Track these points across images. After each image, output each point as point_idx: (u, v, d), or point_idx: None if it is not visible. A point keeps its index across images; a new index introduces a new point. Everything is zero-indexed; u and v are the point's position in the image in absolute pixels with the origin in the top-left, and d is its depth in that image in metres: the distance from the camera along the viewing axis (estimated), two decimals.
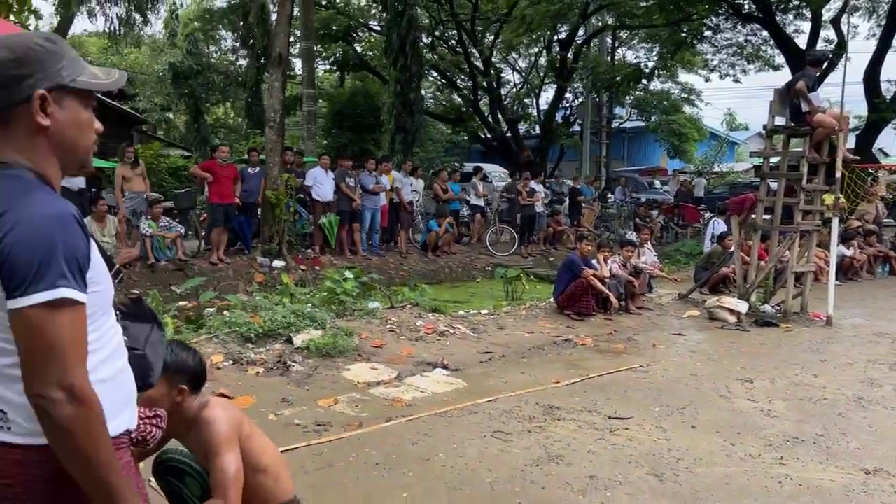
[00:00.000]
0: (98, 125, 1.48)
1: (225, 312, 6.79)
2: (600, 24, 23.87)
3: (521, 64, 29.93)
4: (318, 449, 4.05)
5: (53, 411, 1.25)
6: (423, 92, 22.32)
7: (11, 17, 8.82)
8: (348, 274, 8.19)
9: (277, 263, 10.87)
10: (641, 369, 6.02)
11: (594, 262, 8.63)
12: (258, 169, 11.24)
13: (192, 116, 25.90)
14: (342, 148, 20.06)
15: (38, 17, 13.38)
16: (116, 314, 1.55)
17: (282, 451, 2.77)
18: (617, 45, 27.25)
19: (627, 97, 27.79)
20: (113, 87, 1.49)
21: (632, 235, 12.33)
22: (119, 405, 1.46)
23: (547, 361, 6.37)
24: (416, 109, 19.60)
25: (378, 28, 25.47)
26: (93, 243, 1.39)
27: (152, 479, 2.69)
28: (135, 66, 28.57)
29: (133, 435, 1.55)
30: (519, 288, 10.38)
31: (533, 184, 14.76)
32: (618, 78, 22.48)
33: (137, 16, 20.93)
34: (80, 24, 39.41)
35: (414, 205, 13.73)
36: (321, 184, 11.78)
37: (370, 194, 12.29)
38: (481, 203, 15.14)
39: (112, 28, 20.46)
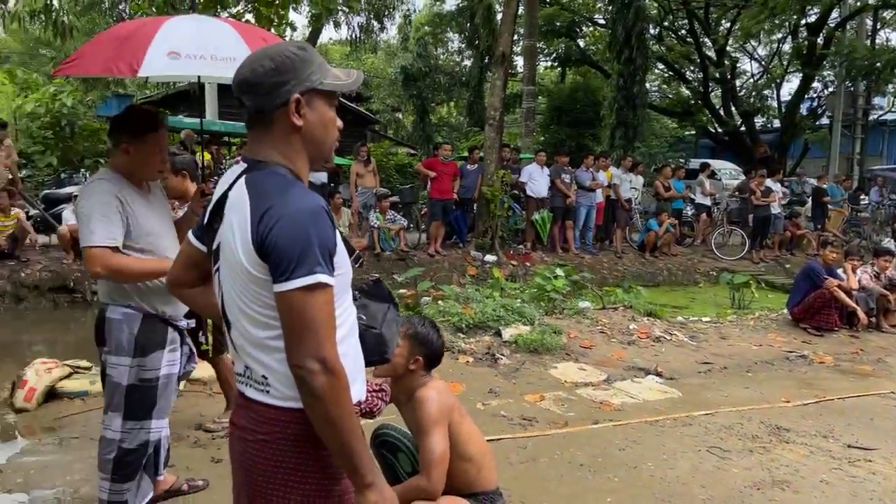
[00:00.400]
0: (339, 122, 1.64)
1: (439, 302, 7.07)
2: (859, 3, 21.11)
3: (761, 52, 27.55)
4: (522, 442, 4.06)
5: (309, 380, 1.41)
6: (647, 85, 21.43)
7: (272, 30, 9.90)
8: (559, 271, 8.12)
9: (490, 258, 11.12)
10: (892, 396, 5.24)
11: (839, 271, 7.68)
12: (476, 166, 11.57)
13: (418, 116, 27.37)
14: (559, 144, 19.95)
15: (294, 28, 14.97)
16: (356, 294, 1.72)
17: (487, 440, 2.81)
18: (879, 26, 23.93)
19: (890, 86, 24.28)
20: (352, 87, 1.63)
21: (889, 243, 10.78)
22: (352, 377, 1.58)
23: (776, 378, 5.79)
24: (638, 103, 18.91)
25: (603, 21, 24.94)
26: (337, 232, 1.54)
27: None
28: (371, 70, 30.90)
29: (362, 406, 1.68)
30: (747, 295, 9.56)
31: (769, 182, 13.45)
32: (878, 64, 19.70)
33: (375, 23, 22.64)
34: (327, 34, 43.67)
35: (632, 202, 13.25)
36: (536, 180, 11.81)
37: (586, 191, 12.07)
38: (707, 202, 14.17)
39: (353, 35, 22.34)
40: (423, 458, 2.43)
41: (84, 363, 4.92)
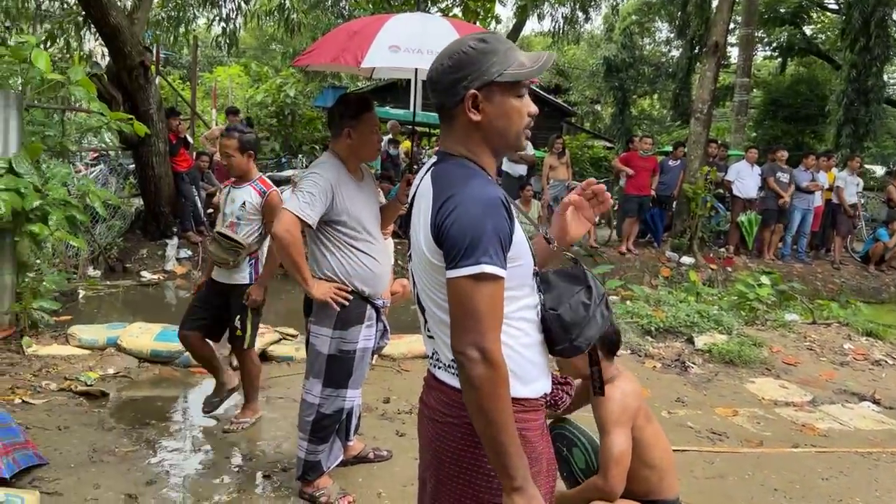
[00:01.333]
0: (532, 108, 1.61)
1: (628, 302, 6.85)
2: None
3: None
4: (710, 457, 3.84)
5: (468, 368, 1.43)
6: (885, 77, 19.05)
7: (477, 23, 10.13)
8: (765, 279, 7.51)
9: (686, 259, 10.55)
10: None
11: None
12: (679, 161, 11.01)
13: (618, 108, 26.63)
14: (774, 140, 18.38)
15: (498, 21, 15.21)
16: (551, 274, 1.71)
17: (673, 450, 2.69)
18: None
19: None
20: (537, 74, 1.59)
21: None
22: (538, 370, 1.61)
23: None
24: (873, 98, 16.93)
25: (835, 7, 22.51)
26: (517, 224, 1.54)
27: None
28: (572, 61, 30.52)
29: (547, 398, 1.68)
30: None
31: None
32: None
33: (581, 13, 22.29)
34: (530, 25, 43.90)
35: (858, 208, 11.85)
36: (744, 179, 10.98)
37: (803, 193, 10.99)
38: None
39: (556, 27, 22.20)
40: (602, 456, 2.38)
41: (291, 331, 5.42)
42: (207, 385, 4.61)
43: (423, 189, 1.59)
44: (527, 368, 1.58)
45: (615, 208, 12.22)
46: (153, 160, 8.94)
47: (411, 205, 1.67)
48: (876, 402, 5.01)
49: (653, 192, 10.83)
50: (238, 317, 3.78)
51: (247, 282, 3.76)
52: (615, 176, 12.13)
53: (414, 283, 1.67)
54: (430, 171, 1.60)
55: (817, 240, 11.96)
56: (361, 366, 3.05)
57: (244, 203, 3.73)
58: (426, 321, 1.65)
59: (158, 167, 9.00)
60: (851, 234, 12.08)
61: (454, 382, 1.56)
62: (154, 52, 11.09)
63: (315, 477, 3.06)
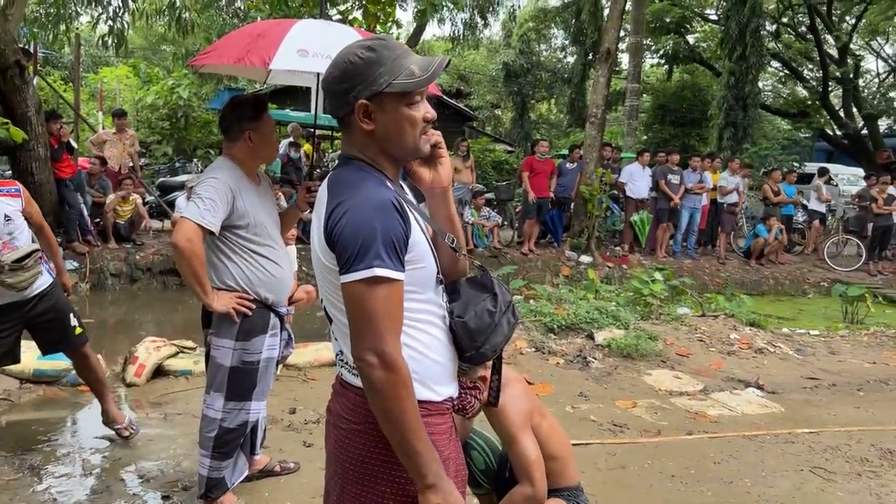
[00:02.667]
0: (428, 113, 1.57)
1: (531, 301, 7.01)
2: None
3: (888, 50, 25.66)
4: (612, 449, 3.97)
5: (368, 373, 1.42)
6: (760, 84, 20.42)
7: (378, 28, 10.09)
8: (657, 275, 7.88)
9: (585, 258, 10.92)
10: None
11: None
12: (575, 164, 11.39)
13: (517, 113, 27.22)
14: (663, 143, 19.33)
15: (399, 25, 15.21)
16: (460, 283, 1.71)
17: (574, 445, 2.76)
18: None
19: None
20: (426, 83, 1.55)
21: None
22: (444, 374, 1.60)
23: (891, 399, 5.38)
24: (750, 103, 18.07)
25: (715, 17, 23.93)
26: (415, 226, 1.52)
27: None
28: (472, 66, 30.97)
29: (454, 403, 1.67)
30: (862, 310, 8.93)
31: (892, 189, 12.53)
32: None
33: (479, 19, 22.66)
34: (430, 31, 44.23)
35: (738, 207, 12.66)
36: (636, 180, 11.50)
37: (690, 193, 11.63)
38: (822, 209, 13.37)
39: (456, 32, 22.47)
40: (519, 464, 2.39)
41: (189, 343, 5.20)
42: (97, 404, 4.35)
43: (320, 195, 1.58)
44: (431, 371, 1.57)
45: (517, 210, 12.51)
46: (32, 166, 8.37)
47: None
48: (760, 388, 5.35)
49: (552, 194, 11.14)
50: (71, 314, 3.54)
51: (51, 280, 3.50)
52: (517, 179, 12.41)
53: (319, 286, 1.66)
54: (325, 181, 1.59)
55: (704, 237, 12.68)
56: (266, 377, 2.96)
57: (6, 216, 3.32)
58: (330, 323, 1.63)
59: (39, 173, 8.43)
60: (734, 231, 12.87)
61: (358, 383, 1.54)
62: (32, 50, 10.36)
63: (219, 494, 2.94)
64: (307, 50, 3.00)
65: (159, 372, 4.80)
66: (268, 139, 2.90)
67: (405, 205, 1.52)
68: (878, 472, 3.84)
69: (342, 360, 1.62)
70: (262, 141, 2.88)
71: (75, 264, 8.54)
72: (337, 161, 1.65)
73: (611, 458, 3.86)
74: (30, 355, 4.56)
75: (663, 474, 3.67)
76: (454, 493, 1.50)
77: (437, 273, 1.61)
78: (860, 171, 17.83)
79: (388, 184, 1.54)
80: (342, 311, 1.51)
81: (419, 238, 1.53)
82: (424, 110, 1.56)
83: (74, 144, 10.50)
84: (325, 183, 1.58)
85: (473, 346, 1.64)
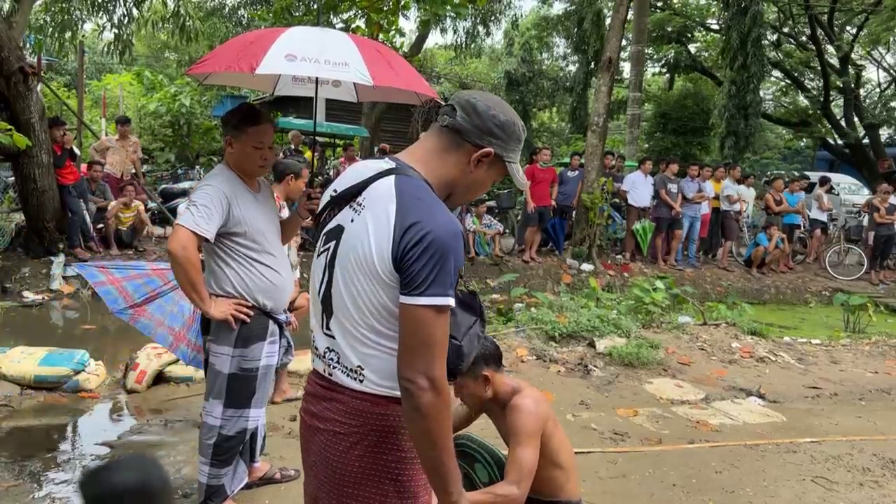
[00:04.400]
0: (482, 193, 1.76)
1: (533, 309, 7.01)
2: None
3: (889, 60, 25.70)
4: (613, 457, 3.96)
5: (417, 395, 1.44)
6: (761, 93, 20.45)
7: (381, 35, 10.12)
8: (659, 283, 7.87)
9: (586, 266, 10.92)
10: None
11: None
12: (577, 172, 11.40)
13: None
14: (664, 152, 19.37)
15: (402, 34, 15.26)
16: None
17: (576, 453, 2.75)
18: None
19: None
20: (517, 183, 1.73)
21: None
22: None
23: (893, 409, 5.37)
24: (751, 112, 18.10)
25: (716, 27, 24.00)
26: None
27: None
28: (474, 74, 31.05)
29: None
30: (864, 319, 8.92)
31: (894, 199, 12.54)
32: None
33: (482, 28, 22.76)
34: (432, 39, 44.34)
35: (740, 215, 12.66)
36: (638, 188, 11.51)
37: (690, 202, 11.64)
38: (823, 218, 13.35)
39: (458, 40, 22.56)
40: (512, 466, 2.39)
41: None
42: (98, 410, 4.35)
43: (379, 194, 1.53)
44: None
45: (518, 218, 12.52)
46: (35, 172, 8.39)
47: (341, 199, 1.62)
48: (761, 397, 5.34)
49: (553, 202, 11.16)
50: None
51: None
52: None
53: (327, 279, 1.60)
54: (388, 178, 1.54)
55: (705, 245, 12.67)
56: (265, 384, 2.96)
57: None
58: (328, 319, 1.60)
59: (41, 180, 8.45)
60: (736, 240, 12.86)
61: (357, 386, 1.55)
62: (36, 61, 10.41)
63: (219, 502, 2.93)
64: (295, 55, 3.00)
65: (160, 378, 4.79)
66: (247, 151, 2.83)
67: None
68: (880, 482, 3.83)
69: (336, 362, 1.59)
70: (242, 152, 2.83)
71: (76, 270, 8.56)
72: (389, 162, 1.60)
73: (612, 466, 3.84)
74: (31, 361, 4.57)
75: (665, 483, 3.66)
76: None
77: None
78: (858, 181, 17.84)
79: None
80: (372, 320, 1.52)
81: None
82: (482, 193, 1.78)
83: (77, 151, 10.53)
84: (385, 182, 1.54)
85: (459, 367, 1.66)
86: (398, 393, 1.50)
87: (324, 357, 1.63)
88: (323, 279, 1.62)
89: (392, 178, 1.54)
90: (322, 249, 1.64)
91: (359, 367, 1.55)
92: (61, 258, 8.48)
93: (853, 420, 4.95)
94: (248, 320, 2.81)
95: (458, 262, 1.47)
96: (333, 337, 1.60)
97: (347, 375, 1.58)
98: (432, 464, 1.50)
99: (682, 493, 3.55)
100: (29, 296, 7.88)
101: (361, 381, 1.55)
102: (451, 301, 1.46)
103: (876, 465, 4.06)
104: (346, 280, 1.55)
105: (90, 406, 4.39)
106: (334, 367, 1.60)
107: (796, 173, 17.21)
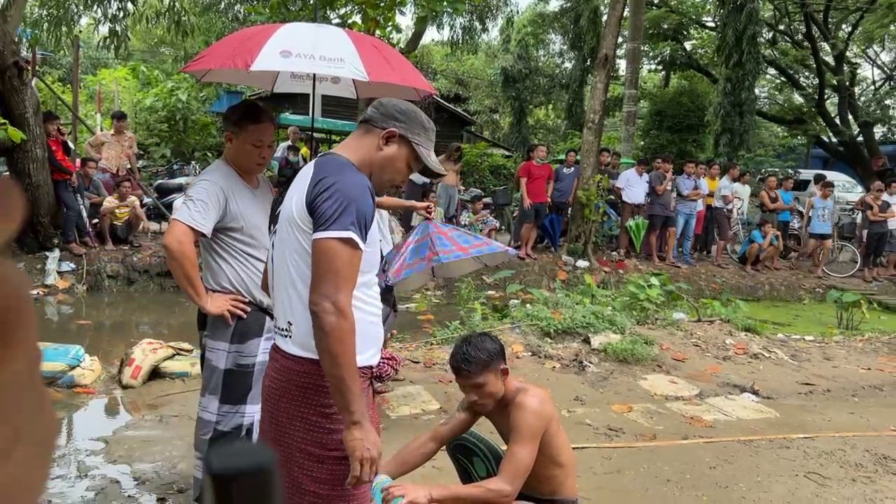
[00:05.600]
0: (404, 179, 2.04)
1: (528, 305, 7.02)
2: None
3: (884, 58, 25.78)
4: (607, 453, 3.98)
5: (321, 316, 1.66)
6: (756, 91, 20.50)
7: (377, 31, 10.11)
8: (654, 280, 7.89)
9: (581, 263, 10.94)
10: None
11: None
12: (573, 169, 11.41)
13: (515, 118, 27.26)
14: (660, 149, 19.39)
15: (399, 30, 15.24)
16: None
17: (572, 448, 2.77)
18: None
19: None
20: (430, 164, 1.98)
21: None
22: (369, 344, 1.85)
23: (884, 405, 5.41)
24: (746, 110, 18.13)
25: (712, 24, 24.03)
26: (377, 217, 1.83)
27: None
28: (470, 71, 31.04)
29: (373, 371, 1.93)
30: (857, 316, 8.98)
31: (886, 196, 12.59)
32: None
33: (478, 24, 22.74)
34: (429, 35, 44.29)
35: (734, 213, 12.70)
36: (633, 186, 11.53)
37: (686, 199, 11.67)
38: (827, 230, 13.36)
39: (455, 37, 22.54)
40: (509, 462, 2.38)
41: (186, 346, 5.20)
42: (94, 406, 4.35)
43: (302, 174, 1.84)
44: (358, 339, 1.76)
45: (514, 215, 12.54)
46: (30, 167, 8.36)
47: (285, 191, 1.90)
48: (755, 393, 5.37)
49: (549, 199, 11.17)
50: None
51: None
52: (514, 184, 12.42)
53: (271, 253, 1.93)
54: (313, 162, 1.87)
55: (700, 242, 12.71)
56: (261, 380, 2.95)
57: None
58: (275, 293, 1.89)
59: (36, 175, 8.43)
60: (730, 238, 12.90)
61: (286, 346, 1.83)
62: (31, 52, 10.37)
63: None
64: (290, 51, 3.00)
65: (156, 374, 4.79)
66: (245, 149, 2.82)
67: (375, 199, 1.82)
68: (872, 477, 3.86)
69: (276, 327, 1.90)
70: (240, 149, 2.82)
71: (72, 266, 8.54)
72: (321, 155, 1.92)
73: (606, 462, 3.87)
74: None
75: (659, 479, 3.68)
76: (373, 433, 1.73)
77: (378, 264, 1.93)
78: (852, 179, 17.89)
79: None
80: (298, 271, 1.78)
81: (374, 227, 1.83)
82: (404, 179, 2.03)
83: (72, 146, 10.49)
84: (310, 164, 1.85)
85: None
86: (316, 356, 1.73)
87: (278, 329, 1.90)
88: (271, 257, 1.92)
89: (315, 160, 1.87)
90: (272, 232, 1.96)
91: (288, 323, 1.82)
92: (56, 253, 8.46)
93: (846, 416, 4.99)
94: (245, 316, 2.81)
95: (361, 210, 1.70)
96: (274, 304, 1.89)
97: (281, 336, 1.86)
98: (335, 383, 1.67)
99: (676, 489, 3.57)
100: None
101: (290, 338, 1.82)
102: (353, 236, 1.68)
103: (868, 460, 4.09)
104: (280, 243, 1.85)
105: (85, 401, 4.39)
106: (275, 333, 1.90)
107: (790, 171, 17.24)
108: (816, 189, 13.42)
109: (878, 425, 4.79)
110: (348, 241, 1.68)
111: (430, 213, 3.84)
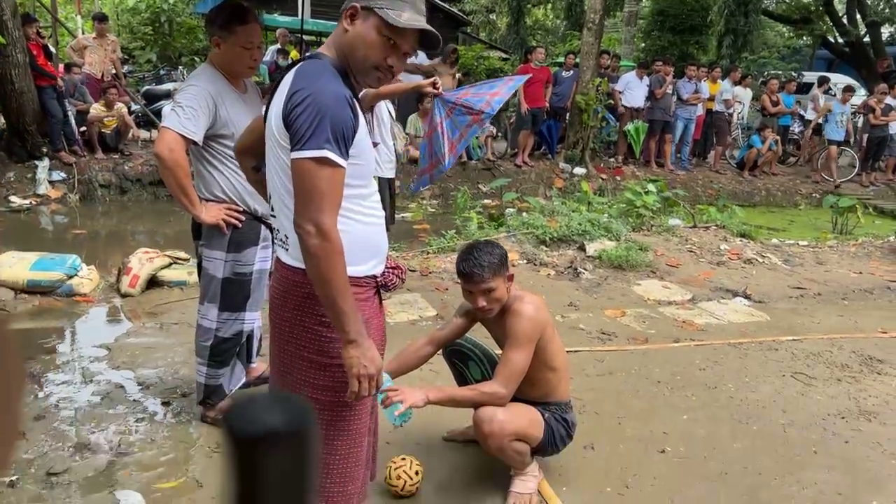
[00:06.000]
0: (390, 60, 1.75)
1: (524, 213, 7.01)
2: None
3: None
4: (600, 356, 4.07)
5: (305, 240, 1.63)
6: None
7: None
8: (651, 187, 7.86)
9: (578, 170, 10.85)
10: None
11: None
12: (571, 72, 11.11)
13: (513, 18, 26.32)
14: (661, 51, 18.86)
15: None
16: None
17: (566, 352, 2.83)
18: None
19: None
20: (401, 30, 1.72)
21: None
22: (369, 255, 1.83)
23: (874, 307, 5.51)
24: (751, 9, 17.56)
25: None
26: (362, 125, 1.73)
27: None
28: None
29: (378, 279, 1.92)
30: (851, 220, 9.01)
31: (890, 100, 12.35)
32: None
33: None
34: None
35: (735, 117, 12.49)
36: (633, 89, 11.28)
37: (685, 104, 11.43)
38: (819, 120, 13.19)
39: None
40: (503, 367, 2.44)
41: (182, 254, 5.21)
42: (94, 314, 4.40)
43: (284, 82, 1.73)
44: (358, 253, 1.77)
45: (511, 121, 12.31)
46: (12, 73, 8.11)
47: (272, 99, 1.80)
48: (747, 297, 5.46)
49: (547, 104, 10.94)
50: None
51: None
52: None
53: (267, 163, 1.84)
54: (293, 69, 1.75)
55: (699, 148, 12.57)
56: (259, 288, 2.97)
57: None
58: (273, 205, 1.83)
59: (19, 81, 8.18)
60: (729, 143, 12.75)
61: (285, 257, 1.81)
62: None
63: (217, 400, 3.02)
64: None
65: (154, 283, 4.82)
66: (236, 52, 2.72)
67: (356, 103, 1.71)
68: (857, 377, 3.97)
69: (276, 238, 1.86)
70: (231, 52, 2.72)
71: (63, 175, 8.44)
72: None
73: (599, 364, 3.96)
74: (23, 266, 4.58)
75: (649, 380, 3.78)
76: (372, 349, 1.73)
77: (373, 173, 1.86)
78: (856, 81, 17.52)
79: (345, 82, 1.73)
80: (286, 187, 1.72)
81: (363, 136, 1.73)
82: (392, 57, 1.75)
83: (53, 49, 10.15)
84: (291, 72, 1.74)
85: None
86: None
87: (277, 240, 1.88)
88: (268, 169, 1.84)
89: (296, 66, 1.75)
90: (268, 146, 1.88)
91: (285, 235, 1.78)
92: (45, 162, 8.35)
93: (835, 319, 5.09)
94: (240, 225, 2.79)
95: (337, 123, 1.62)
96: (275, 216, 1.83)
97: (281, 247, 1.83)
98: (328, 303, 1.67)
99: (666, 389, 3.68)
100: (16, 201, 7.81)
101: (288, 251, 1.79)
102: (330, 155, 1.60)
103: (854, 361, 4.20)
104: (269, 156, 1.79)
105: (85, 310, 4.43)
106: (275, 244, 1.88)
107: (794, 73, 16.85)
108: (830, 92, 13.06)
109: (865, 327, 4.90)
110: (325, 161, 1.61)
111: (437, 87, 3.63)
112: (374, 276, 1.89)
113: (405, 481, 2.56)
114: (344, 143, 1.64)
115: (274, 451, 0.44)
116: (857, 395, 3.73)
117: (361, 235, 1.78)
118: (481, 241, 2.54)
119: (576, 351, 4.07)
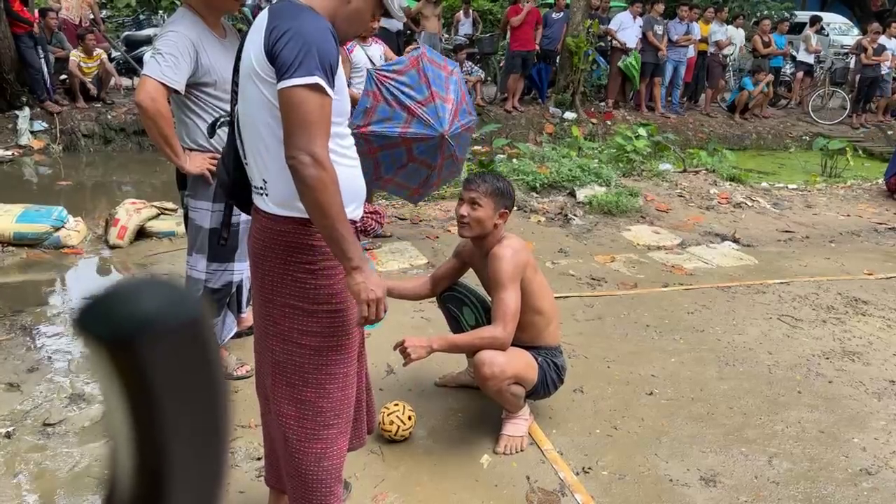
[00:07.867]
0: (373, 25, 1.84)
1: (514, 160, 6.97)
2: None
3: None
4: (589, 301, 4.11)
5: (300, 170, 1.59)
6: None
7: None
8: (641, 131, 7.80)
9: (569, 115, 10.73)
10: None
11: None
12: (562, 14, 10.87)
13: None
14: None
15: None
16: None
17: (555, 297, 2.85)
18: None
19: None
20: (391, 10, 1.80)
21: None
22: (349, 199, 1.76)
23: (860, 250, 5.56)
24: None
25: None
26: (340, 68, 1.70)
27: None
28: None
29: (357, 224, 1.89)
30: (841, 163, 9.00)
31: (883, 39, 12.17)
32: None
33: None
34: None
35: (727, 58, 12.32)
36: (626, 29, 11.05)
37: (676, 45, 11.23)
38: (810, 60, 13.04)
39: None
40: (498, 309, 2.48)
41: (170, 205, 5.16)
42: (83, 266, 4.38)
43: (257, 23, 1.69)
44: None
45: (500, 65, 12.08)
46: None
47: (243, 42, 1.76)
48: (736, 241, 5.49)
49: (537, 47, 10.72)
50: None
51: None
52: (501, 31, 11.89)
53: (239, 113, 1.80)
54: (267, 9, 1.71)
55: (690, 91, 12.43)
56: (246, 238, 2.95)
57: None
58: (246, 149, 1.79)
59: None
60: (723, 87, 12.61)
61: (264, 206, 1.78)
62: None
63: None
64: None
65: (142, 234, 4.79)
66: None
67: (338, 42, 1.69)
68: (842, 318, 4.03)
69: (253, 186, 1.82)
70: None
71: (45, 125, 8.28)
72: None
73: (588, 309, 4.00)
74: (8, 218, 4.53)
75: (638, 324, 3.83)
76: (375, 276, 1.73)
77: (349, 112, 1.84)
78: (849, 21, 17.26)
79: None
80: (266, 125, 1.69)
81: (341, 73, 1.72)
82: (368, 28, 1.91)
83: None
84: (264, 11, 1.70)
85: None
86: (295, 214, 1.71)
87: (255, 188, 1.83)
88: (239, 112, 1.80)
89: (268, 7, 1.70)
90: (233, 86, 1.86)
91: (263, 181, 1.75)
92: (26, 112, 8.18)
93: (822, 261, 5.14)
94: None
95: (324, 53, 1.59)
96: (248, 162, 1.80)
97: (259, 195, 1.79)
98: (328, 233, 1.64)
99: (655, 333, 3.73)
100: None
101: (268, 196, 1.75)
102: (320, 81, 1.57)
103: (840, 303, 4.27)
104: (244, 99, 1.75)
105: (74, 262, 4.41)
106: (253, 193, 1.84)
107: (786, 13, 16.57)
108: (823, 32, 12.86)
109: (851, 269, 4.95)
110: (315, 87, 1.58)
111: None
112: (354, 221, 1.87)
113: (398, 426, 2.60)
114: (331, 72, 1.61)
115: (159, 353, 0.33)
116: (841, 336, 3.80)
117: (342, 177, 1.73)
118: (500, 174, 2.62)
119: (566, 297, 4.10)
